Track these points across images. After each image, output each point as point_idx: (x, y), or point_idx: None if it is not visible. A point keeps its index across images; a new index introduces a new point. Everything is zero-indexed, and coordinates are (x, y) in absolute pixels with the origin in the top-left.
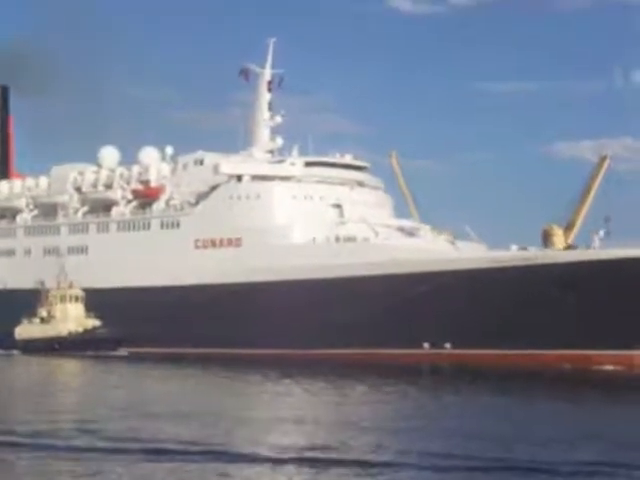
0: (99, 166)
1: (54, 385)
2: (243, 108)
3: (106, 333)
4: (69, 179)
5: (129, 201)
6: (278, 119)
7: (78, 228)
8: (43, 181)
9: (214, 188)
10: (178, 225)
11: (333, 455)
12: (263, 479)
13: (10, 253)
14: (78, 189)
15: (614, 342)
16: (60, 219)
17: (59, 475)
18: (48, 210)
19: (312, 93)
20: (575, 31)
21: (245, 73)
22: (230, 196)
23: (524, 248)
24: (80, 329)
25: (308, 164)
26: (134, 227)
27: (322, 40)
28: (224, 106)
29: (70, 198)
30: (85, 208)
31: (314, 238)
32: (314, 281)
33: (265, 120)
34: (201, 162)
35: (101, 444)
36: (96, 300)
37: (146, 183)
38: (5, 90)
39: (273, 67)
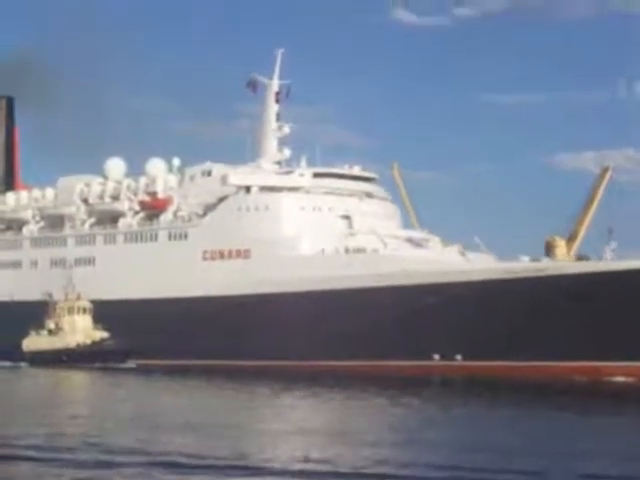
0: (105, 177)
1: (62, 397)
2: (247, 119)
3: (114, 345)
4: (76, 190)
5: (136, 212)
6: (286, 130)
7: (85, 240)
8: (49, 192)
9: (222, 199)
10: (186, 236)
11: (337, 469)
12: None
13: (16, 265)
14: (85, 200)
15: (626, 354)
16: (67, 230)
17: None
18: (55, 222)
19: (314, 104)
20: (578, 42)
21: (253, 84)
22: (238, 207)
23: (536, 259)
24: (88, 341)
25: (317, 175)
26: (141, 238)
27: (324, 51)
28: (227, 117)
29: (77, 210)
30: (92, 220)
31: (323, 249)
32: (323, 292)
33: (273, 131)
34: (209, 173)
35: (107, 457)
36: (103, 312)
37: (153, 194)
38: (10, 101)
39: (280, 78)
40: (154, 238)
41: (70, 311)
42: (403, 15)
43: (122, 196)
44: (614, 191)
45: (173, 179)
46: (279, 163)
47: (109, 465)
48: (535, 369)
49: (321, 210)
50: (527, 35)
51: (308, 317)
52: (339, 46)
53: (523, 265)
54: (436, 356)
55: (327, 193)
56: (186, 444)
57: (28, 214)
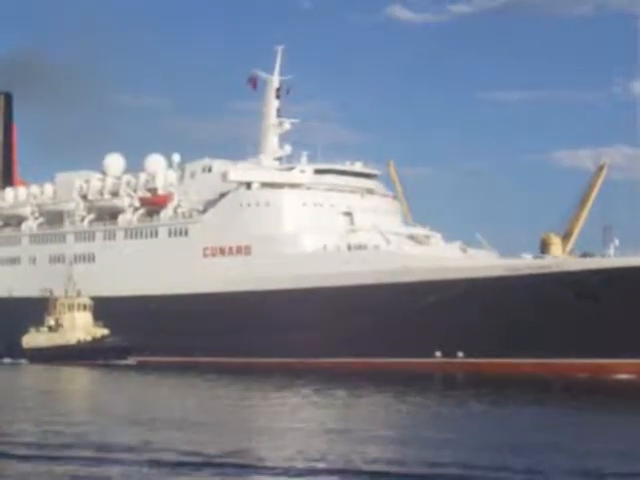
0: (104, 173)
1: (61, 394)
2: (243, 116)
3: (114, 342)
4: (75, 186)
5: (136, 209)
6: (286, 126)
7: (84, 236)
8: (48, 189)
9: (223, 195)
10: (186, 233)
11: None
12: None
13: (15, 261)
14: (84, 197)
15: (630, 351)
16: (66, 227)
17: None
18: (54, 218)
19: (310, 101)
20: (574, 39)
21: (253, 80)
22: (239, 203)
23: (538, 256)
24: (88, 338)
25: (318, 171)
26: (141, 235)
27: (320, 49)
28: (224, 114)
29: (76, 206)
30: (91, 216)
31: (325, 246)
32: (325, 289)
33: (273, 127)
34: (209, 169)
35: (105, 455)
36: (103, 309)
37: (153, 191)
38: (8, 97)
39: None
40: (154, 234)
41: (70, 308)
42: (400, 12)
43: (122, 192)
44: (609, 189)
45: (173, 175)
46: (279, 159)
47: (108, 462)
48: (537, 366)
49: (322, 206)
50: (524, 32)
51: (309, 314)
52: (335, 44)
53: (525, 262)
54: (438, 353)
55: (328, 189)
56: (187, 441)
57: (27, 210)
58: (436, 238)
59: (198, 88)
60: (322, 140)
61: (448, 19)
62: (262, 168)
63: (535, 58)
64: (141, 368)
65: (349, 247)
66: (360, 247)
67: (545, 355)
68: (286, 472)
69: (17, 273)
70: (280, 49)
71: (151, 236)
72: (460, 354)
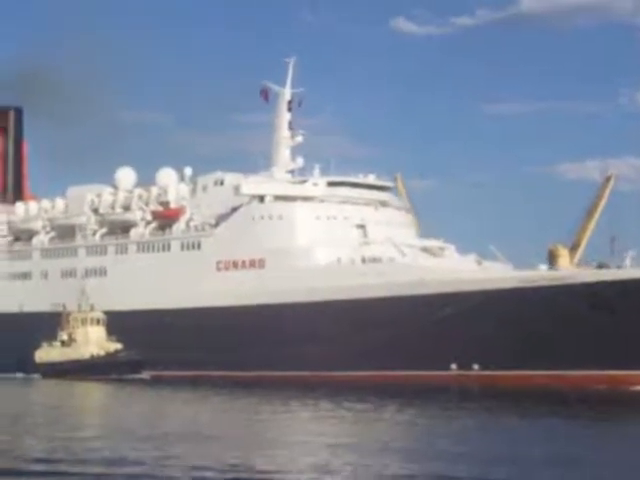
0: (115, 187)
1: (76, 409)
2: (245, 130)
3: (128, 356)
4: (86, 200)
5: (148, 222)
6: (299, 139)
7: (96, 250)
8: (59, 203)
9: (235, 209)
10: (199, 246)
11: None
12: None
13: (26, 276)
14: (95, 210)
15: None
16: (78, 241)
17: None
18: (65, 232)
19: (316, 114)
20: (580, 51)
21: (265, 93)
22: (252, 217)
23: (553, 268)
24: (102, 352)
25: (331, 184)
26: (154, 248)
27: (323, 62)
28: (224, 128)
29: (88, 220)
30: (103, 230)
31: (339, 259)
32: (340, 302)
33: (285, 139)
34: (221, 183)
35: (122, 470)
36: (116, 323)
37: (165, 204)
38: (19, 112)
39: (291, 87)
40: (167, 248)
41: (84, 322)
42: (404, 25)
43: (133, 206)
44: (617, 200)
45: (185, 189)
46: (292, 172)
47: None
48: (553, 378)
49: (336, 219)
50: (529, 44)
51: (324, 327)
52: (338, 57)
53: (541, 274)
54: (453, 366)
55: (342, 202)
56: (199, 455)
57: (38, 224)
58: (450, 250)
59: (199, 103)
60: (327, 153)
61: (452, 32)
62: (275, 181)
63: (540, 70)
64: (155, 383)
65: (363, 260)
66: (375, 260)
67: (561, 367)
68: None
69: (28, 288)
70: (292, 61)
71: (164, 250)
72: (476, 367)
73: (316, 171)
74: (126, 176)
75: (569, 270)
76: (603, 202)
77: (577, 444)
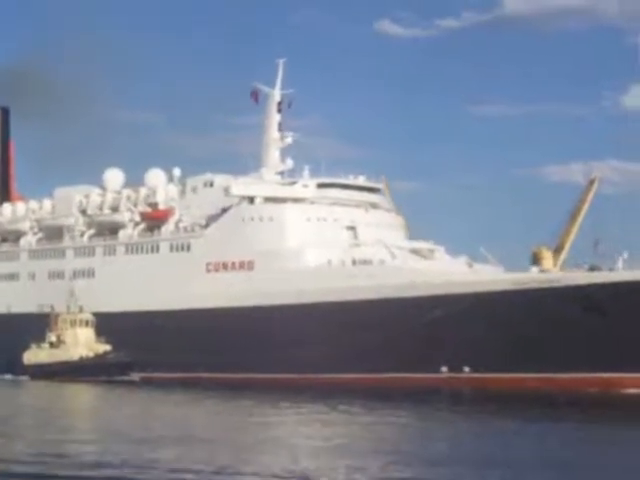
0: (103, 188)
1: (65, 411)
2: (235, 131)
3: (117, 358)
4: (74, 201)
5: (137, 224)
6: (288, 140)
7: (84, 251)
8: (47, 204)
9: (225, 210)
10: (188, 248)
11: None
12: None
13: (14, 277)
14: (83, 211)
15: (638, 365)
16: (66, 242)
17: None
18: (53, 233)
19: (305, 116)
20: (564, 54)
21: (255, 95)
22: (242, 218)
23: (544, 270)
24: (91, 354)
25: (321, 186)
26: (142, 250)
27: (314, 64)
28: (215, 130)
29: (75, 221)
30: (91, 231)
31: (329, 260)
32: (329, 304)
33: (275, 141)
34: (211, 184)
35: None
36: (105, 324)
37: (154, 205)
38: (5, 111)
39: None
40: (155, 249)
41: (72, 324)
42: (389, 27)
43: (122, 207)
44: (600, 203)
45: (174, 190)
46: (281, 173)
47: None
48: (544, 381)
49: (326, 221)
50: (513, 47)
51: (314, 329)
52: (325, 58)
53: (532, 276)
54: (444, 368)
55: (332, 204)
56: (190, 459)
57: (25, 225)
58: (440, 252)
59: (189, 103)
60: (316, 154)
61: (437, 34)
62: (264, 182)
63: (525, 72)
64: (144, 384)
65: (354, 262)
66: (365, 262)
67: (552, 370)
68: None
69: (16, 289)
70: (281, 62)
71: (152, 251)
72: (466, 369)
73: (306, 172)
74: (114, 177)
75: (561, 273)
76: (587, 205)
77: (569, 447)
